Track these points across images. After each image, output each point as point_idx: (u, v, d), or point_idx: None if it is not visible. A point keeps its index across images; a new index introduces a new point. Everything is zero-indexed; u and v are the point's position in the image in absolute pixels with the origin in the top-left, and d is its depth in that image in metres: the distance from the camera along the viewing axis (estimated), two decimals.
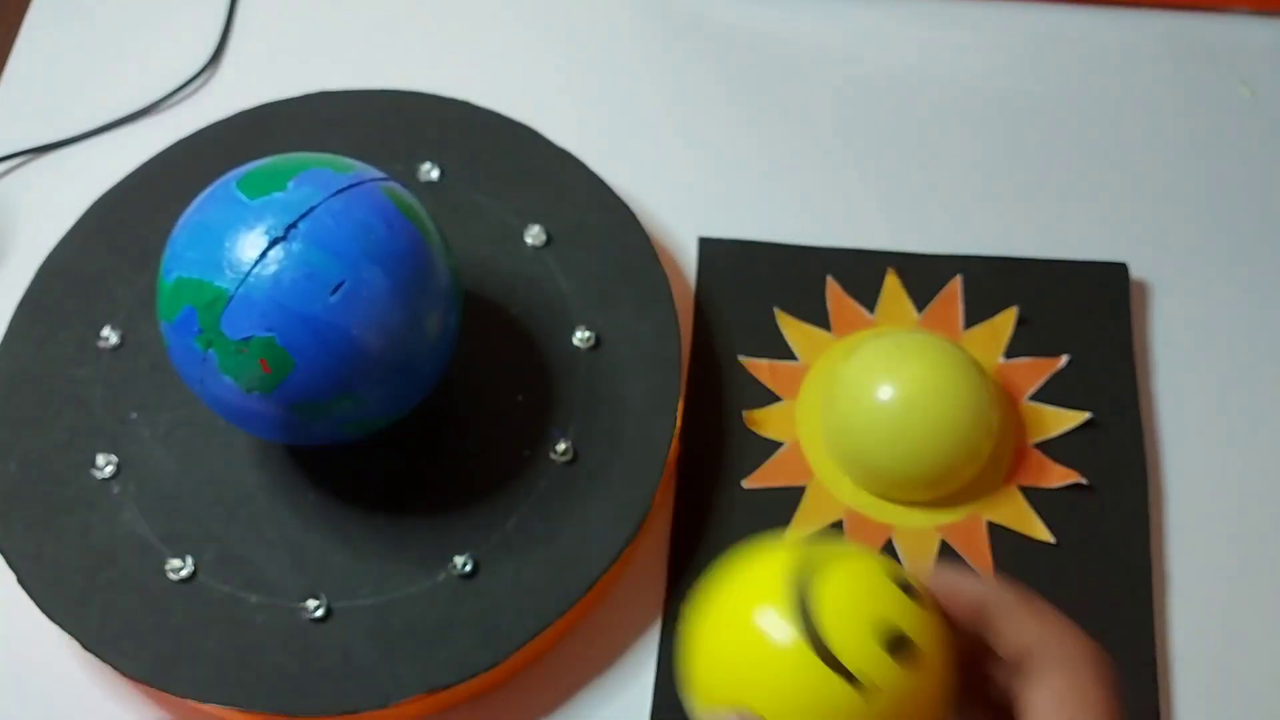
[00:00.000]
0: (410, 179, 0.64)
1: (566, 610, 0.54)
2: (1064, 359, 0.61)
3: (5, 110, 0.72)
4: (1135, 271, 0.64)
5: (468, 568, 0.55)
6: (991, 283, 0.63)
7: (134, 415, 0.58)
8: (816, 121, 0.70)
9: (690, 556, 0.58)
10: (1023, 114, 0.70)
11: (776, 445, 0.60)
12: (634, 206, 0.64)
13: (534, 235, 0.62)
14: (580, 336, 0.60)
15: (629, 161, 0.68)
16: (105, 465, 0.57)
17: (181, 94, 0.72)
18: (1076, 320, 0.62)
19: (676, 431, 0.58)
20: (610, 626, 0.57)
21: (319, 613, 0.54)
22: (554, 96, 0.70)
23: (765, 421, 0.61)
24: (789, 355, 0.62)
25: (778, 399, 0.61)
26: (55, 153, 0.70)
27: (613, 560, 0.55)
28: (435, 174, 0.64)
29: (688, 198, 0.67)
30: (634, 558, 0.58)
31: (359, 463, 0.57)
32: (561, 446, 0.58)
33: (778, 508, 0.58)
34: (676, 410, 0.58)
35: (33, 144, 0.70)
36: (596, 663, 0.56)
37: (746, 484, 0.59)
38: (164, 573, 0.55)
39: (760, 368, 0.62)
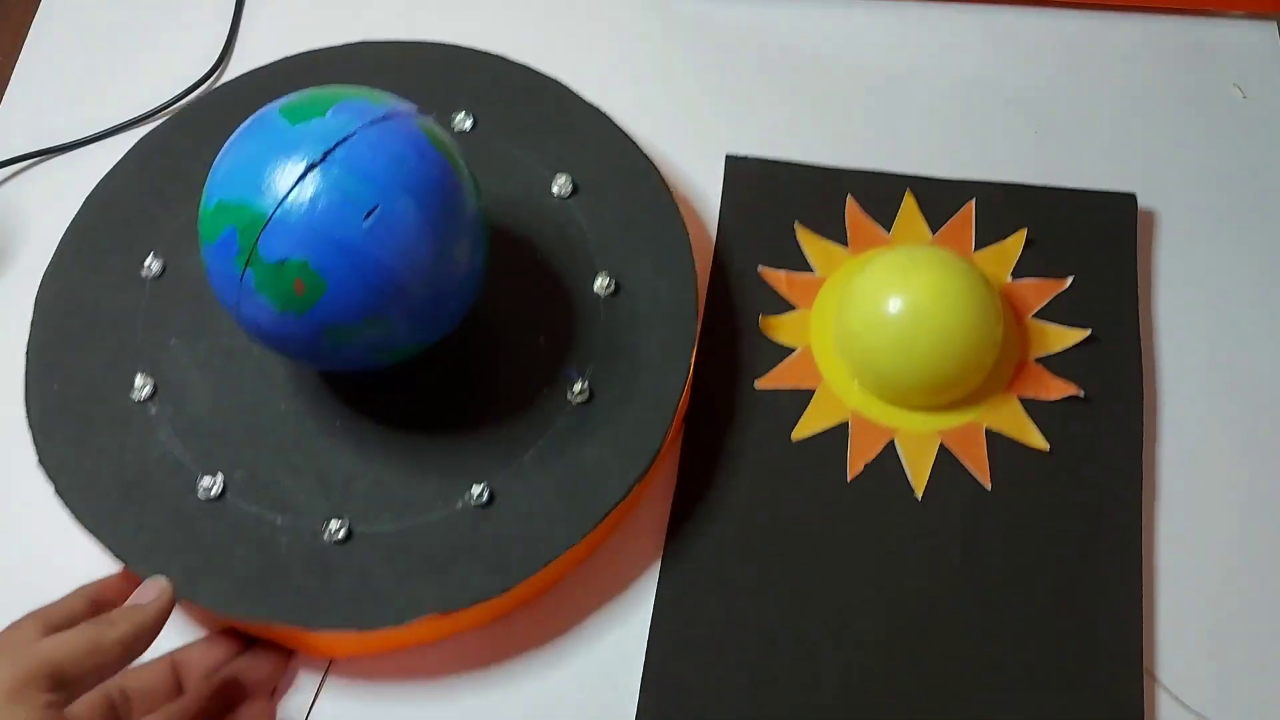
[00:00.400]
0: (444, 127, 0.66)
1: (575, 543, 0.56)
2: (1069, 280, 0.63)
3: (13, 115, 0.72)
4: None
5: (484, 498, 0.57)
6: (1004, 207, 0.65)
7: (173, 341, 0.61)
8: (840, 61, 0.72)
9: (701, 451, 0.60)
10: (1017, 116, 0.70)
11: (789, 351, 0.62)
12: (662, 138, 0.67)
13: (561, 185, 0.65)
14: (601, 284, 0.62)
15: (655, 98, 0.71)
16: (143, 387, 0.59)
17: (190, 96, 0.72)
18: (1083, 245, 0.64)
19: (688, 382, 0.60)
20: (614, 562, 0.59)
21: (341, 535, 0.56)
22: (584, 53, 0.73)
23: (780, 328, 0.63)
24: (806, 268, 0.65)
25: (793, 308, 0.64)
26: (63, 156, 0.70)
27: (621, 498, 0.57)
28: (468, 124, 0.66)
29: (713, 125, 0.70)
30: (641, 497, 0.60)
31: (384, 395, 0.60)
32: (578, 387, 0.60)
33: (787, 408, 0.61)
34: (690, 359, 0.60)
35: (41, 147, 0.70)
36: (599, 595, 0.58)
37: (759, 385, 0.62)
38: (195, 491, 0.57)
39: (778, 278, 0.64)
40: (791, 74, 0.73)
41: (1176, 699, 0.55)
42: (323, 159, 0.50)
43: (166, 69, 0.73)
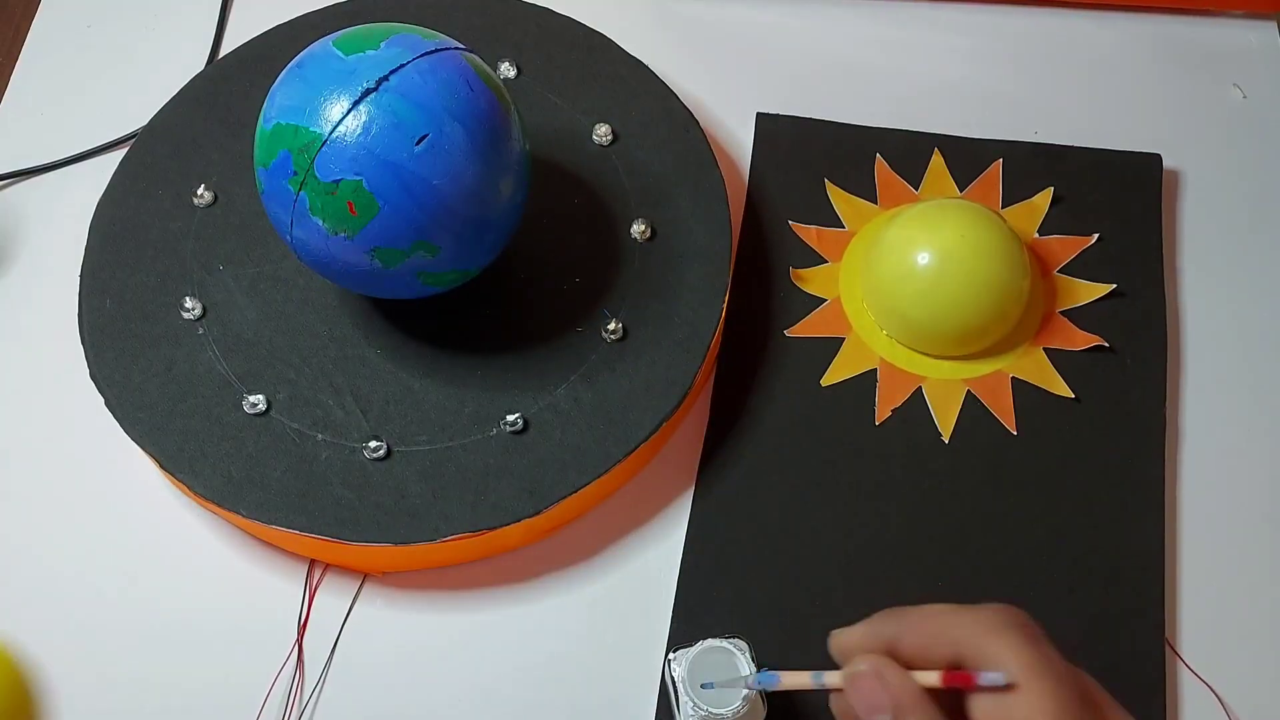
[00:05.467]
0: None
1: (606, 471, 0.58)
2: (1095, 237, 0.65)
3: (6, 130, 0.72)
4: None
5: (518, 425, 0.59)
6: (1031, 166, 0.67)
7: (221, 267, 0.63)
8: (873, 23, 0.74)
9: (732, 393, 0.63)
10: (1018, 116, 0.70)
11: (819, 301, 0.64)
12: (699, 92, 0.69)
13: (601, 134, 0.66)
14: (637, 229, 0.64)
15: (695, 55, 0.72)
16: (192, 308, 0.62)
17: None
18: (1109, 203, 0.66)
19: (720, 325, 0.62)
20: (647, 491, 0.61)
21: (379, 453, 0.58)
22: (626, 7, 0.74)
23: (810, 279, 0.65)
24: (836, 223, 0.67)
25: (823, 261, 0.66)
26: (62, 170, 0.70)
27: (652, 431, 0.59)
28: (512, 72, 0.68)
29: (748, 82, 0.72)
30: (673, 433, 0.62)
31: (424, 325, 0.62)
32: (612, 325, 0.61)
33: (816, 356, 0.63)
34: (722, 303, 0.62)
35: (40, 162, 0.70)
36: (633, 522, 0.60)
37: (789, 333, 0.64)
38: (240, 407, 0.59)
39: (808, 232, 0.66)
40: (823, 34, 0.74)
41: (1186, 665, 0.56)
42: (376, 86, 0.52)
43: (158, 78, 0.71)
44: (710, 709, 0.50)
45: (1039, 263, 0.65)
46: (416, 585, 0.59)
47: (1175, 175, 0.68)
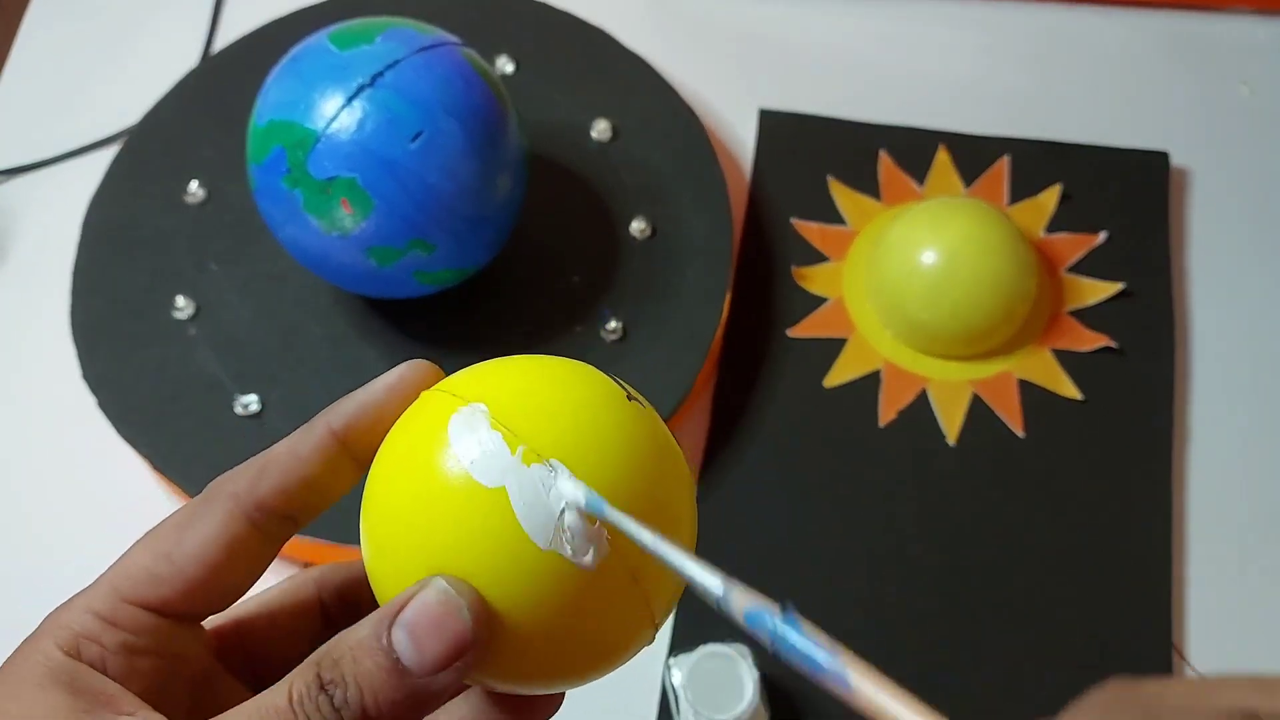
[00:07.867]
0: None
1: None
2: (1103, 235, 0.64)
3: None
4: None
5: None
6: (1037, 163, 0.66)
7: (213, 266, 0.62)
8: (877, 18, 0.73)
9: (734, 394, 0.62)
10: (1024, 113, 0.69)
11: (821, 300, 0.64)
12: (699, 88, 0.68)
13: (600, 130, 0.66)
14: (637, 227, 0.63)
15: (695, 51, 0.71)
16: (184, 307, 0.61)
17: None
18: (1117, 201, 0.65)
19: (721, 325, 0.61)
20: None
21: None
22: (626, 1, 0.73)
23: (812, 278, 0.64)
24: (839, 220, 0.66)
25: (825, 259, 0.65)
26: (53, 167, 0.69)
27: None
28: (510, 67, 0.67)
29: (750, 78, 0.71)
30: (674, 433, 0.61)
31: (421, 324, 0.61)
32: (612, 325, 0.61)
33: (819, 356, 0.62)
34: (724, 303, 0.61)
35: (31, 159, 0.69)
36: None
37: (791, 333, 0.63)
38: (232, 408, 0.58)
39: (811, 230, 0.65)
40: (827, 30, 0.73)
41: (1195, 672, 0.56)
42: (371, 82, 0.51)
43: (152, 72, 0.70)
44: (712, 715, 0.49)
45: (1046, 261, 0.64)
46: None
47: (1182, 173, 0.67)
